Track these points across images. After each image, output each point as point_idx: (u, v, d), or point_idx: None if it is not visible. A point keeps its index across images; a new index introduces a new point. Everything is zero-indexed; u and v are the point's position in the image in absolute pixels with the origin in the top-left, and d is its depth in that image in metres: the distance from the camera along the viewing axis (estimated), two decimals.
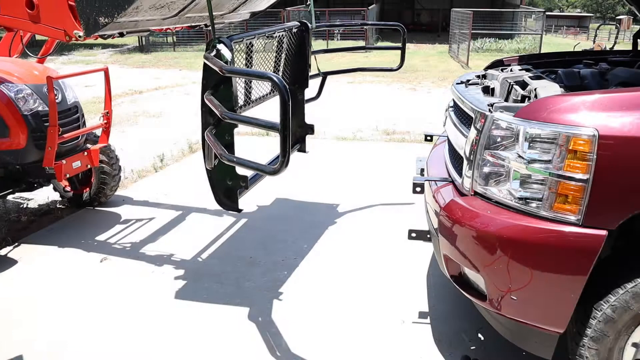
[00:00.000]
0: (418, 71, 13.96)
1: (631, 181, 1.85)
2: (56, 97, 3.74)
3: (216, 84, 2.65)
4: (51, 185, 4.59)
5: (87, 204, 4.71)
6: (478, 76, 3.08)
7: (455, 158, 2.59)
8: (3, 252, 3.87)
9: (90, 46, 23.35)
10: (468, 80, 3.01)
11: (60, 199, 4.80)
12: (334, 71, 4.35)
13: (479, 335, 2.87)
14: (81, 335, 2.92)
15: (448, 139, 2.88)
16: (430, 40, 26.44)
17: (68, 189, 4.69)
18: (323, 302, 3.22)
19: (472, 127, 2.28)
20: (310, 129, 4.01)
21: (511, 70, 3.04)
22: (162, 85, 11.84)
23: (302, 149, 3.78)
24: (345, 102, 9.87)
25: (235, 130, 2.93)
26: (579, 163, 1.88)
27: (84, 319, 3.07)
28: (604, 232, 1.89)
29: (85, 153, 4.17)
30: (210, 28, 3.57)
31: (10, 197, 4.69)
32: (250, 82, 3.05)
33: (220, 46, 2.56)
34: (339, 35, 22.63)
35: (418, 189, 2.81)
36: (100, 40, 3.93)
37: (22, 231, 4.26)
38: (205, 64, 2.62)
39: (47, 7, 2.86)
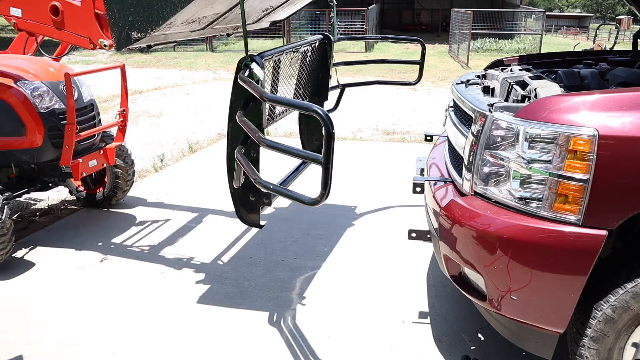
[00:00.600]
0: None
1: (631, 181, 1.85)
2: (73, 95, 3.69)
3: (245, 101, 2.60)
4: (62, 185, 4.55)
5: (100, 204, 4.67)
6: (478, 76, 3.08)
7: (455, 158, 2.59)
8: None
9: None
10: (468, 80, 3.01)
11: (74, 199, 4.76)
12: (353, 83, 4.37)
13: (479, 335, 2.87)
14: (87, 335, 2.92)
15: (448, 139, 2.88)
16: (430, 40, 26.41)
17: (81, 188, 4.65)
18: (323, 302, 3.22)
19: (472, 127, 2.28)
20: None
21: (511, 70, 3.04)
22: (162, 85, 11.85)
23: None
24: (345, 102, 9.84)
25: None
26: (579, 163, 1.88)
27: (89, 319, 3.07)
28: (603, 232, 1.89)
29: (101, 152, 4.13)
30: (228, 35, 3.51)
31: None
32: None
33: (253, 65, 2.51)
34: (338, 35, 22.59)
35: (418, 189, 2.81)
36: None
37: (22, 231, 4.26)
38: (235, 82, 2.58)
39: (73, 14, 2.84)
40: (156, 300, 3.26)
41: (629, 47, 4.35)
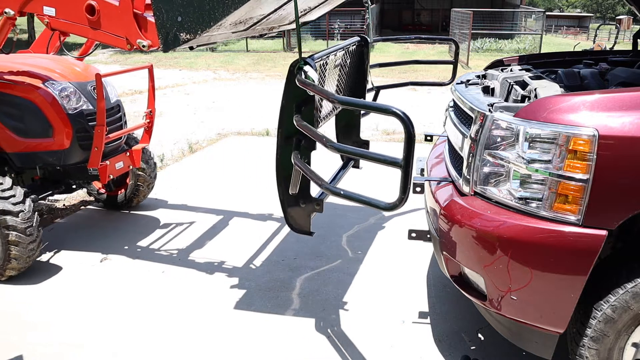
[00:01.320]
0: (418, 71, 13.96)
1: (631, 181, 1.85)
2: None
3: (298, 105, 2.52)
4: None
5: (121, 206, 4.61)
6: (478, 76, 3.09)
7: (455, 158, 2.59)
8: None
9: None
10: (468, 80, 3.01)
11: (73, 199, 4.70)
12: (387, 85, 4.33)
13: (479, 335, 2.87)
14: (87, 335, 2.92)
15: (448, 139, 2.88)
16: (430, 40, 26.42)
17: (102, 190, 4.59)
18: (323, 302, 3.22)
19: (472, 127, 2.28)
20: (365, 145, 3.91)
21: (511, 70, 3.04)
22: (162, 85, 11.84)
23: (357, 165, 3.66)
24: None
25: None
26: (579, 163, 1.88)
27: (89, 319, 3.07)
28: (603, 232, 1.89)
29: (127, 153, 4.06)
30: (262, 34, 3.40)
31: None
32: (321, 101, 2.89)
33: (307, 68, 2.42)
34: (339, 35, 22.61)
35: (418, 189, 2.81)
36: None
37: None
38: (287, 85, 2.51)
39: (110, 14, 2.77)
40: (156, 299, 3.26)
41: (629, 47, 4.36)
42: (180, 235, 4.18)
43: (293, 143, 2.60)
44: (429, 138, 3.59)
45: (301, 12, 3.27)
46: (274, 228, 4.29)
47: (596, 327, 2.01)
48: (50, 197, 4.88)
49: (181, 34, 2.41)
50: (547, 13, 27.34)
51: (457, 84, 2.97)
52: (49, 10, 2.94)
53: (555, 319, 2.03)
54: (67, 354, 2.77)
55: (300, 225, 2.85)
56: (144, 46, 2.72)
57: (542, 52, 16.86)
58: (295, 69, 2.46)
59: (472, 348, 2.77)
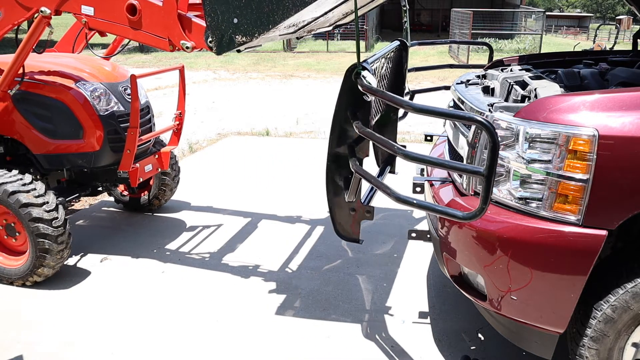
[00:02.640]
0: (418, 71, 13.97)
1: (631, 181, 1.85)
2: (130, 97, 3.56)
3: (353, 111, 2.44)
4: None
5: (144, 209, 4.57)
6: (478, 76, 3.09)
7: (455, 158, 2.59)
8: None
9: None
10: (468, 80, 3.02)
11: (116, 203, 4.67)
12: (423, 89, 4.30)
13: (479, 335, 2.87)
14: (86, 335, 2.92)
15: (448, 139, 2.88)
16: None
17: (125, 193, 4.56)
18: (322, 302, 3.22)
19: (472, 127, 2.28)
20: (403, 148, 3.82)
21: (511, 70, 3.04)
22: (162, 85, 11.84)
23: (392, 171, 3.62)
24: None
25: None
26: (578, 163, 1.88)
27: (88, 319, 3.07)
28: (603, 232, 1.89)
29: (156, 156, 4.00)
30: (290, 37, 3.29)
31: None
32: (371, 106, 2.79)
33: (366, 73, 2.33)
34: (339, 35, 22.60)
35: (418, 189, 2.81)
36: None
37: None
38: (342, 91, 2.43)
39: (152, 14, 2.70)
40: (155, 299, 3.26)
41: (629, 47, 4.36)
42: (179, 235, 4.18)
43: (347, 150, 2.52)
44: (429, 138, 3.59)
45: (344, 14, 3.20)
46: (274, 228, 4.29)
47: (596, 327, 2.01)
48: None
49: (236, 37, 2.34)
50: (547, 13, 27.35)
51: (457, 83, 2.97)
52: (87, 10, 2.86)
53: (555, 319, 2.03)
54: (65, 353, 2.77)
55: (348, 232, 2.76)
56: (187, 47, 2.66)
57: (542, 52, 16.86)
58: (353, 75, 2.35)
59: (472, 348, 2.77)
